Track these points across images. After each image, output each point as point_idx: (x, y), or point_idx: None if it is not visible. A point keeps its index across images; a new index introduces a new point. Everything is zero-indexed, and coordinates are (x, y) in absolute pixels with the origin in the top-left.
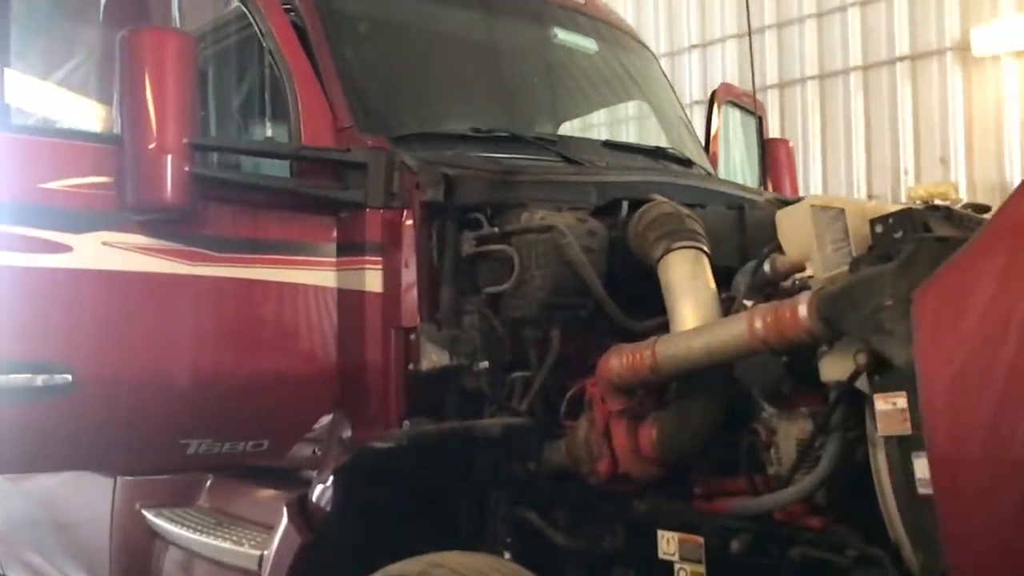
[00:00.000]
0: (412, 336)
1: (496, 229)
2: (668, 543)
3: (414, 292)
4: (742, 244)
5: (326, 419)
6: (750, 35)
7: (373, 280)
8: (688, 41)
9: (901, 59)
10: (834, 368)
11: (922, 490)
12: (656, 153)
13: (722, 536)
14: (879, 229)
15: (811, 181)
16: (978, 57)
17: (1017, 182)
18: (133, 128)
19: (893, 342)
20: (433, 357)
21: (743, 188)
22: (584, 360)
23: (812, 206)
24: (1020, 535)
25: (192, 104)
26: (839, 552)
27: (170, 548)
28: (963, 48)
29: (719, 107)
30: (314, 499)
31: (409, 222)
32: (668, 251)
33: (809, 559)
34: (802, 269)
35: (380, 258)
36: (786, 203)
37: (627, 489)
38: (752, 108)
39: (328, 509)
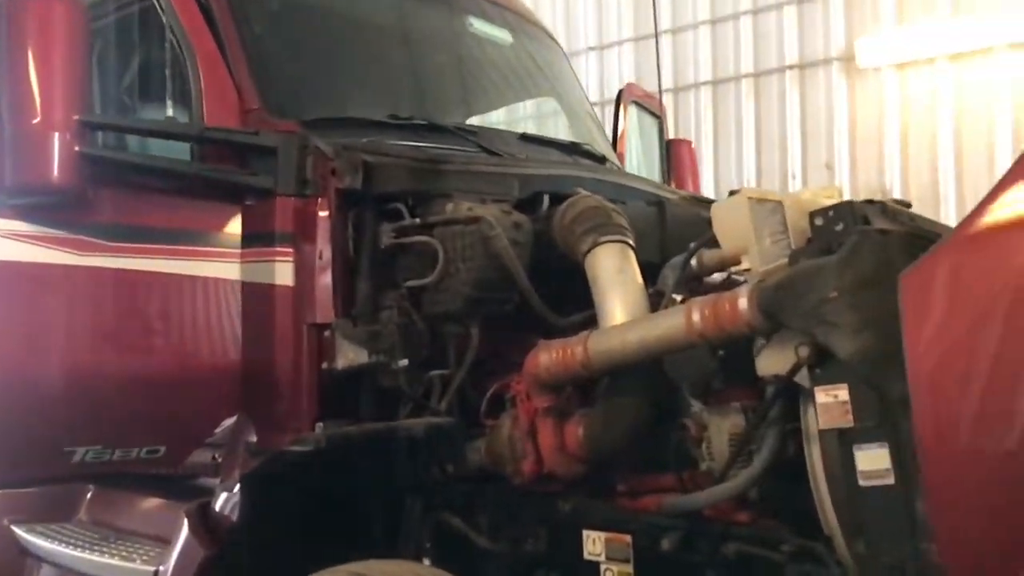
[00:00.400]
0: (326, 333)
1: (418, 220)
2: (594, 543)
3: (328, 286)
4: (662, 240)
5: (228, 423)
6: (656, 37)
7: (283, 273)
8: (585, 43)
9: (790, 67)
10: (772, 362)
11: (864, 482)
12: (571, 148)
13: (651, 534)
14: (819, 222)
15: (703, 184)
16: (862, 68)
17: (897, 188)
18: (14, 102)
19: (838, 334)
20: (349, 355)
21: (658, 185)
22: (503, 358)
23: (750, 199)
24: (1004, 523)
25: (82, 78)
26: (774, 547)
27: (44, 567)
28: (848, 59)
29: (625, 107)
30: (218, 508)
31: (323, 211)
32: (596, 245)
33: (743, 555)
34: (730, 264)
35: (291, 249)
36: (701, 201)
37: (551, 489)
38: (654, 109)
39: (234, 519)
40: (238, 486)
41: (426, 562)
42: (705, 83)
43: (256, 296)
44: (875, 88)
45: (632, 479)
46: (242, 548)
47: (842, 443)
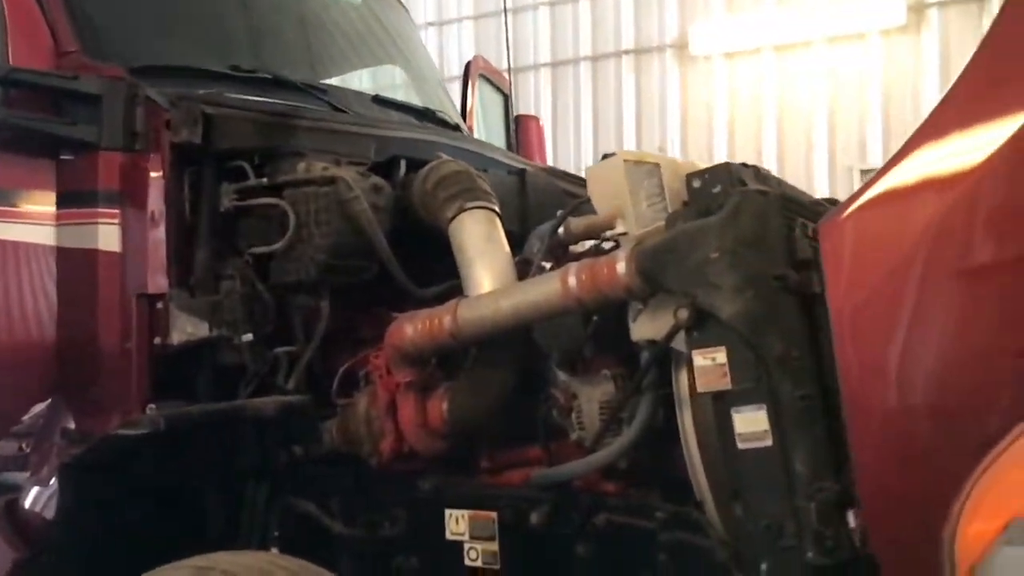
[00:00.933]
0: (159, 304)
1: (265, 180)
2: (457, 522)
3: (162, 252)
4: (523, 210)
5: (39, 408)
6: (505, 11)
7: (108, 237)
8: (424, 18)
9: (626, 52)
10: (647, 326)
11: (742, 445)
12: (425, 114)
13: (518, 510)
14: (697, 184)
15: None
16: (694, 55)
17: None
18: None
19: (719, 295)
20: (186, 329)
21: (515, 157)
22: (353, 333)
23: (626, 161)
24: (919, 472)
25: None
26: (646, 516)
27: None
28: (681, 46)
29: (473, 80)
30: (28, 505)
31: (156, 169)
32: (461, 211)
33: (613, 525)
34: (600, 230)
35: (117, 211)
36: (558, 173)
37: (410, 468)
38: (500, 84)
39: (49, 516)
40: (53, 478)
41: (274, 551)
42: (544, 65)
43: (75, 263)
44: (706, 75)
45: (496, 454)
46: (60, 549)
47: (719, 406)
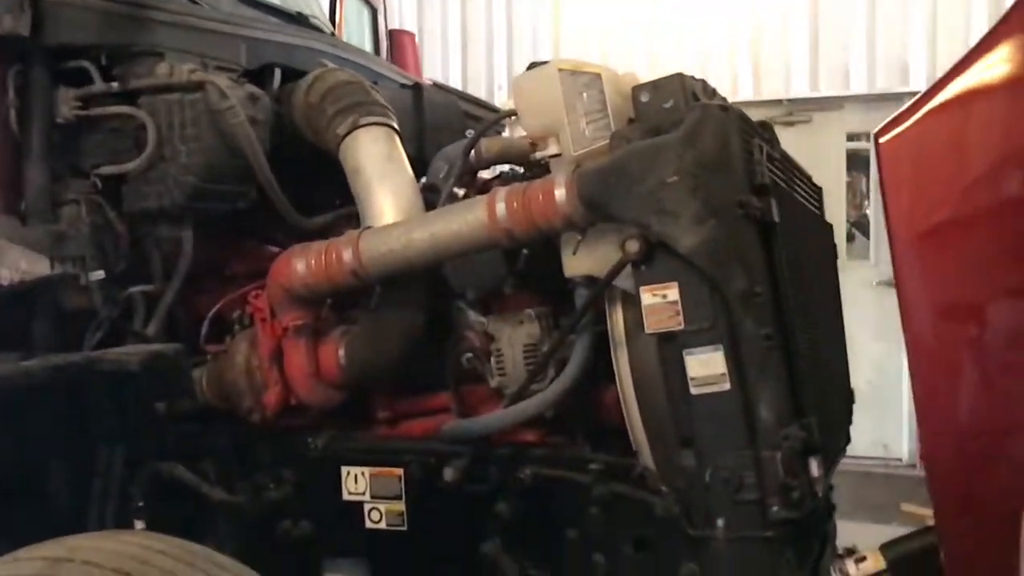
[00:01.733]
0: None
1: (115, 85)
2: (355, 480)
3: None
4: (419, 130)
5: None
6: None
7: None
8: None
9: None
10: (585, 261)
11: (696, 389)
12: (299, 20)
13: (427, 465)
14: (645, 98)
15: None
16: None
17: None
18: None
19: (678, 225)
20: (20, 265)
21: (402, 72)
22: (219, 269)
23: (561, 70)
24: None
25: None
26: (580, 468)
27: None
28: None
29: None
30: None
31: None
32: (355, 127)
33: (541, 479)
34: (518, 153)
35: None
36: (450, 90)
37: (295, 424)
38: None
39: None
40: None
41: (139, 525)
42: None
43: None
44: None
45: (395, 404)
46: None
47: (669, 348)
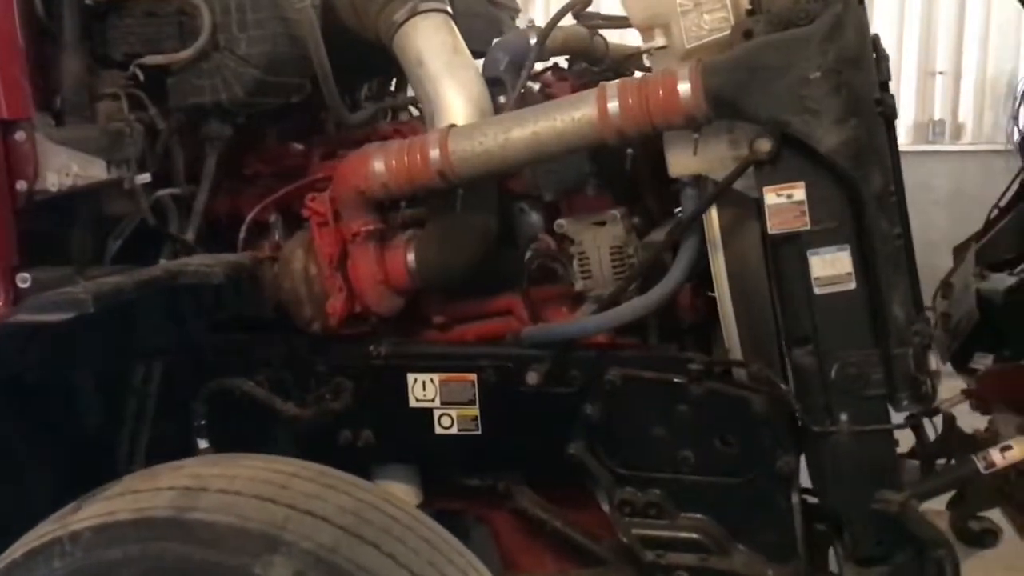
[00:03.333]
0: (18, 135)
1: None
2: (423, 387)
3: (17, 64)
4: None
5: None
6: None
7: None
8: None
9: None
10: (694, 160)
11: (819, 289)
12: None
13: (502, 369)
14: None
15: None
16: None
17: None
18: None
19: (820, 123)
20: (73, 168)
21: None
22: (233, 169)
23: None
24: None
25: None
26: (675, 368)
27: None
28: None
29: None
30: None
31: None
32: (414, 14)
33: (631, 380)
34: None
35: None
36: None
37: (354, 332)
38: None
39: None
40: None
41: (203, 444)
42: None
43: None
44: None
45: (452, 308)
46: None
47: (788, 248)
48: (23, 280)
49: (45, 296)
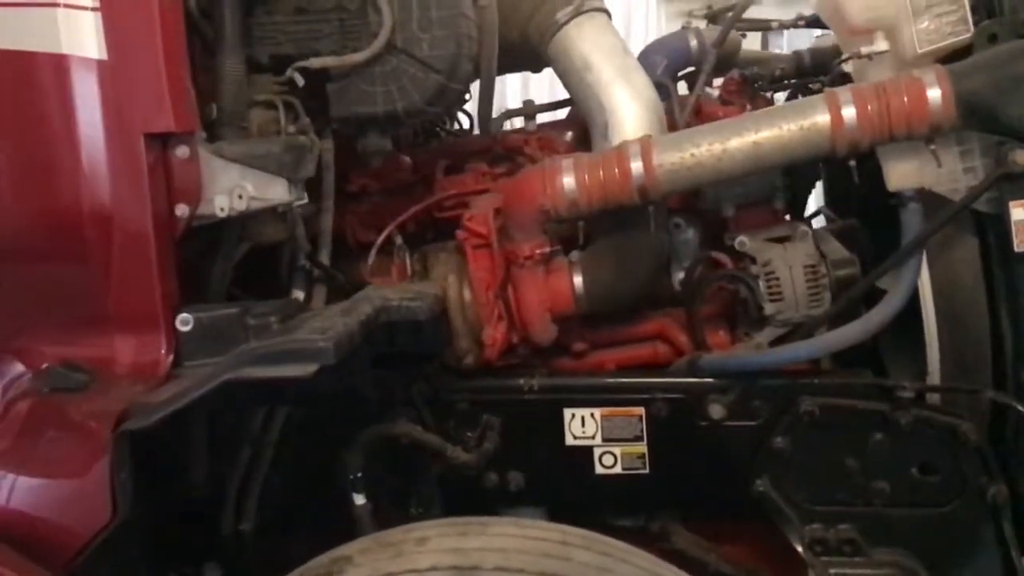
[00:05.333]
0: (182, 152)
1: None
2: (582, 424)
3: (181, 66)
4: None
5: None
6: None
7: (77, 31)
8: None
9: None
10: (918, 172)
11: None
12: None
13: (675, 402)
14: None
15: None
16: None
17: None
18: None
19: None
20: (248, 189)
21: None
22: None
23: None
24: None
25: None
26: (882, 396)
27: None
28: None
29: None
30: None
31: None
32: (579, 14)
33: (828, 409)
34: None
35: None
36: None
37: (502, 365)
38: None
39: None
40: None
41: (360, 500)
42: None
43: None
44: None
45: (594, 334)
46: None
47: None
48: (184, 323)
49: (275, 346)
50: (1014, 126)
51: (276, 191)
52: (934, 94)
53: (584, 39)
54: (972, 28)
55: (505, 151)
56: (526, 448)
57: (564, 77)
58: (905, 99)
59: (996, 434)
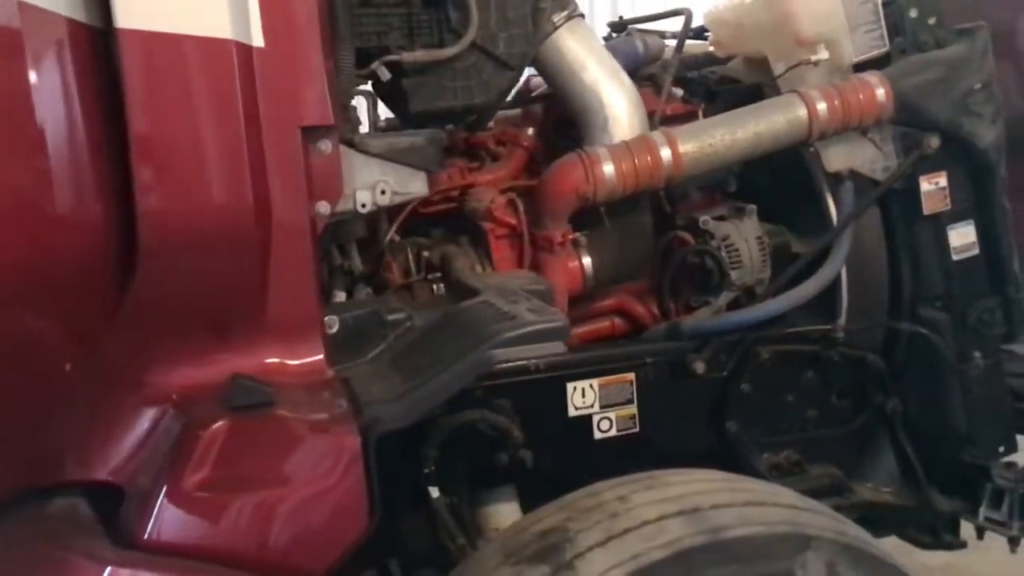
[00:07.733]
0: (324, 146)
1: None
2: (583, 395)
3: (318, 56)
4: None
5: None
6: None
7: (219, 15)
8: None
9: None
10: (851, 156)
11: (956, 256)
12: None
13: (665, 364)
14: (913, 13)
15: None
16: None
17: None
18: None
19: (982, 125)
20: (391, 183)
21: None
22: None
23: None
24: None
25: None
26: (819, 341)
27: None
28: None
29: None
30: None
31: None
32: (571, 18)
33: (778, 356)
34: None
35: None
36: None
37: None
38: None
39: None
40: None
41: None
42: None
43: (160, 63)
44: None
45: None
46: None
47: (930, 225)
48: (331, 324)
49: (517, 329)
50: (932, 119)
51: (416, 185)
52: (880, 93)
53: (578, 41)
54: (888, 43)
55: (467, 147)
56: (537, 425)
57: (556, 76)
58: (860, 97)
59: (888, 360)
